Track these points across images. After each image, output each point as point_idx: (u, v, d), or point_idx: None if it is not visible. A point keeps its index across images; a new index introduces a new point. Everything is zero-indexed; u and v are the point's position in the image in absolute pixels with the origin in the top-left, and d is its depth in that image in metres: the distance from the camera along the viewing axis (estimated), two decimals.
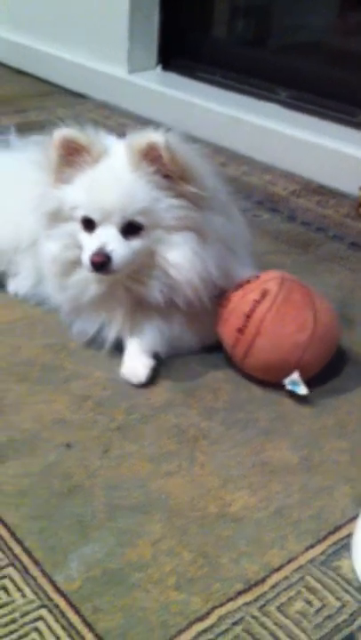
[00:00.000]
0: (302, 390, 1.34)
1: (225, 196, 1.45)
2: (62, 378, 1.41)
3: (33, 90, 3.12)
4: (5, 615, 0.96)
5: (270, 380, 1.38)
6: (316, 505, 1.15)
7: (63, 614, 0.96)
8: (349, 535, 1.09)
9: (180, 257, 1.34)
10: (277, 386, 1.36)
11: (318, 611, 0.99)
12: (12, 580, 1.01)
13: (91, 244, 1.32)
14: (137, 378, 1.39)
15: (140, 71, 2.92)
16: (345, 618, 0.98)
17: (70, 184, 1.36)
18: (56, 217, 1.40)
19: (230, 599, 0.99)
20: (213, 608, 0.98)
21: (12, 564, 1.03)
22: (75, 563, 1.03)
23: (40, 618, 0.96)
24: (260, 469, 1.21)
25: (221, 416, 1.33)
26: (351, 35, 2.66)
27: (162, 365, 1.43)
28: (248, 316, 1.35)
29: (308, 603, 1.00)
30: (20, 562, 1.03)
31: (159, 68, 2.96)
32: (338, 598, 1.00)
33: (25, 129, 1.79)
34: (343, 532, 1.10)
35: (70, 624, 0.95)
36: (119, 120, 2.75)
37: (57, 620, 0.96)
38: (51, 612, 0.97)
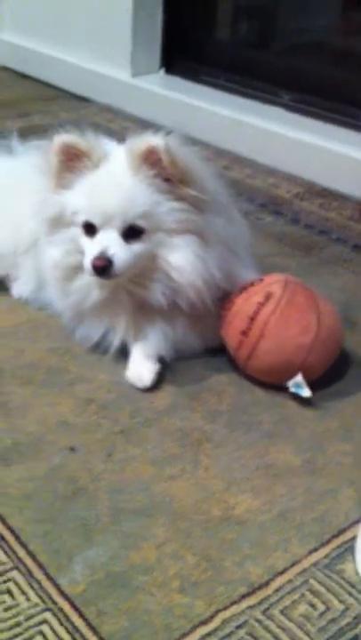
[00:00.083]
0: (306, 393, 1.34)
1: (225, 198, 1.45)
2: (66, 381, 1.41)
3: (36, 93, 3.12)
4: (10, 619, 0.96)
5: (274, 383, 1.38)
6: (320, 508, 1.15)
7: (67, 618, 0.96)
8: (353, 538, 1.09)
9: (182, 259, 1.34)
10: (281, 388, 1.36)
11: (322, 614, 0.99)
12: (17, 584, 1.01)
13: (92, 248, 1.32)
14: (142, 383, 1.40)
15: (143, 74, 2.92)
16: (349, 621, 0.98)
17: (71, 189, 1.36)
18: (57, 223, 1.40)
19: (234, 602, 0.99)
20: (217, 611, 0.98)
21: (17, 568, 1.03)
22: (79, 566, 1.03)
23: (44, 621, 0.96)
24: (264, 472, 1.21)
25: (225, 419, 1.33)
26: (355, 37, 2.66)
27: (166, 369, 1.43)
28: (252, 319, 1.35)
29: (312, 606, 1.00)
30: (25, 565, 1.04)
31: (162, 72, 2.96)
32: (342, 601, 1.00)
33: (28, 133, 1.79)
34: (347, 535, 1.10)
35: (74, 627, 0.95)
36: (123, 123, 2.75)
37: (61, 624, 0.96)
38: (55, 615, 0.97)
